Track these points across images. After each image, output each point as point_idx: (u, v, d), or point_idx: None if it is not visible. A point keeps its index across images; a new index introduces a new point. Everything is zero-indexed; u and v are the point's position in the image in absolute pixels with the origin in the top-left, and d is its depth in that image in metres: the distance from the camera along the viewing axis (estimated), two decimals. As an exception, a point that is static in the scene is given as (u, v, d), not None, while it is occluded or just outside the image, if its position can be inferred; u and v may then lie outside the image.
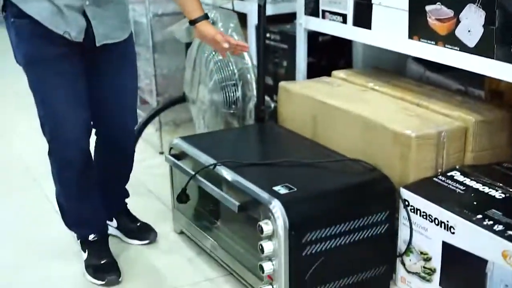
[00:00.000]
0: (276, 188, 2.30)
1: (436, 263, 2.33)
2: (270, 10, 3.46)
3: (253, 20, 3.56)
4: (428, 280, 2.37)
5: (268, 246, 2.25)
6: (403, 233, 2.44)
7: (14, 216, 3.21)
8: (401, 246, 2.46)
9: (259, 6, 2.94)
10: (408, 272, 2.45)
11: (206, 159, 2.58)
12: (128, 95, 2.66)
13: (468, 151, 2.52)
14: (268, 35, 3.52)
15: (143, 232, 2.90)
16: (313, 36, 3.34)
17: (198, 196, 2.71)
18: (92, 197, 2.63)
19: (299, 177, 2.43)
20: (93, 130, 2.61)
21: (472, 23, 2.38)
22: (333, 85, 3.02)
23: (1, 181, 3.64)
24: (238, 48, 2.65)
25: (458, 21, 2.43)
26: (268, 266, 2.28)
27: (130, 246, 2.87)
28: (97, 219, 2.70)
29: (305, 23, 3.21)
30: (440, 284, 2.33)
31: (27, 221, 3.15)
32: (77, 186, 2.57)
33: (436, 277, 2.34)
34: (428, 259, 2.36)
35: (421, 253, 2.38)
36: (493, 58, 2.33)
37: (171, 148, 2.80)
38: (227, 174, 2.46)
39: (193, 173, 2.56)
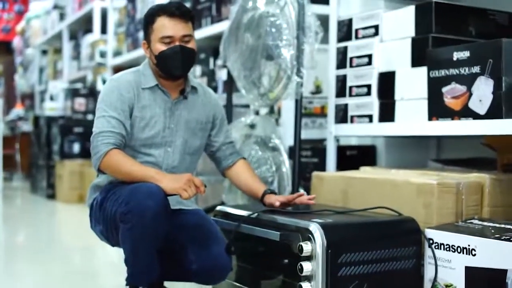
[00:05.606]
0: (314, 219, 2.59)
1: (460, 292, 2.55)
2: (302, 135, 3.89)
3: (286, 144, 4.03)
4: (454, 312, 2.57)
5: (307, 266, 2.49)
6: (428, 272, 2.67)
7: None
8: (427, 286, 2.67)
9: (296, 100, 3.39)
10: (435, 311, 2.65)
11: (248, 213, 2.88)
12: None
13: (484, 205, 2.82)
14: (300, 153, 3.91)
15: None
16: (341, 150, 3.76)
17: (240, 255, 2.95)
18: (154, 252, 2.74)
19: (334, 217, 2.72)
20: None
21: (482, 93, 2.80)
22: (360, 171, 3.38)
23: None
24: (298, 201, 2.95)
25: (471, 94, 2.85)
26: (307, 287, 2.50)
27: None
28: (154, 271, 2.86)
29: (335, 131, 3.63)
30: (465, 313, 2.53)
31: None
32: (149, 235, 2.66)
33: (461, 306, 2.54)
34: (453, 291, 2.58)
35: (446, 286, 2.59)
36: (501, 118, 2.73)
37: (215, 215, 3.10)
38: (269, 218, 2.75)
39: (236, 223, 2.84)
